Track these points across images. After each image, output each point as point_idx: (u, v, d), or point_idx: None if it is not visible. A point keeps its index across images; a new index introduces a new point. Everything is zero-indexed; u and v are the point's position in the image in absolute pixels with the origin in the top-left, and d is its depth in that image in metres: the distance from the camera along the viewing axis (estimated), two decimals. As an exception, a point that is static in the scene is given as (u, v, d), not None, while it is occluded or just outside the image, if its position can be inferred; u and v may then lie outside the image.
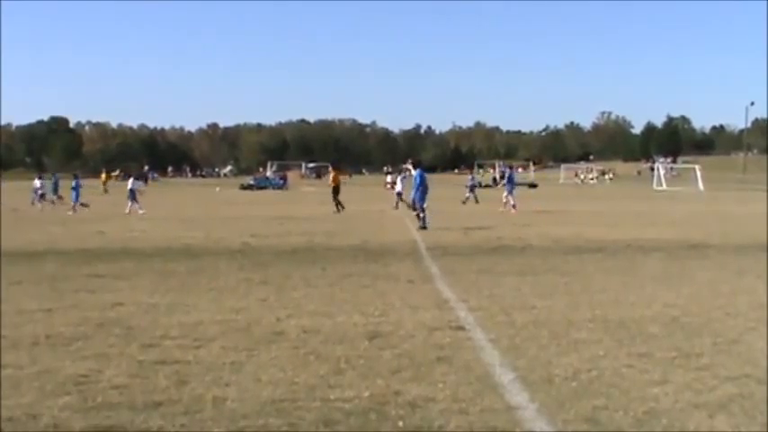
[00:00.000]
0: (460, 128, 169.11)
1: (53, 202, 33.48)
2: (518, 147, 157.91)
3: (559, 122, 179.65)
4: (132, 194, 28.84)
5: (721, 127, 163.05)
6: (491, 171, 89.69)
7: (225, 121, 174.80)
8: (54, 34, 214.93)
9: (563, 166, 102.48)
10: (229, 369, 5.82)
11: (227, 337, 6.92)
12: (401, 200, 29.54)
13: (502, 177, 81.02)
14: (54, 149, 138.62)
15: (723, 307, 8.49)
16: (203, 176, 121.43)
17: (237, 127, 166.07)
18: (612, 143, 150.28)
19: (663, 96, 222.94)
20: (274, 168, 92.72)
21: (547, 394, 5.18)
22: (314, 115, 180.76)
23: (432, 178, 41.29)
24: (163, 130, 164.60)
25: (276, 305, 8.56)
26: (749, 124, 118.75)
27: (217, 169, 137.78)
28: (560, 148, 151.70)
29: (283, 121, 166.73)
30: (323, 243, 15.91)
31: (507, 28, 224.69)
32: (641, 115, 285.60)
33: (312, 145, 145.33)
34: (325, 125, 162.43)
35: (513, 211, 27.25)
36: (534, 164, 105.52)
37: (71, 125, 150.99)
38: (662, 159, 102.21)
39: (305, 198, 41.15)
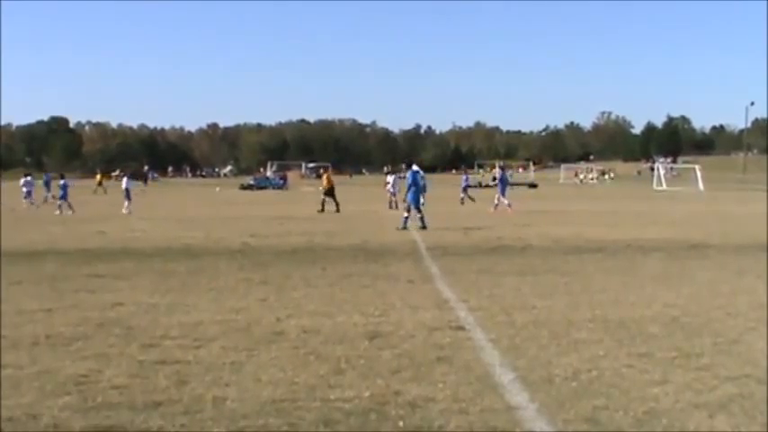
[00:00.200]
0: (460, 128, 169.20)
1: (46, 200, 33.33)
2: (518, 147, 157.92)
3: (559, 122, 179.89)
4: (127, 194, 28.86)
5: (721, 127, 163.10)
6: (491, 171, 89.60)
7: (225, 121, 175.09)
8: (54, 34, 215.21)
9: (563, 166, 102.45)
10: (229, 369, 5.82)
11: (227, 337, 6.93)
12: (395, 200, 29.59)
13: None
14: (54, 149, 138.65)
15: (723, 307, 8.49)
16: (203, 176, 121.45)
17: (237, 127, 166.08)
18: (612, 143, 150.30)
19: (663, 96, 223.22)
20: (274, 168, 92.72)
21: (547, 394, 5.18)
22: (314, 115, 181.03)
23: (432, 178, 41.42)
24: (163, 130, 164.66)
25: (276, 305, 8.56)
26: (749, 124, 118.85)
27: (217, 169, 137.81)
28: (560, 148, 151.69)
29: (283, 121, 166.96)
30: (323, 243, 15.91)
31: (507, 28, 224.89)
32: (641, 115, 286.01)
33: (312, 145, 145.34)
34: (325, 125, 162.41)
35: (509, 210, 27.30)
36: (534, 164, 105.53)
37: (71, 125, 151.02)
38: (662, 159, 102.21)
39: (305, 198, 41.15)
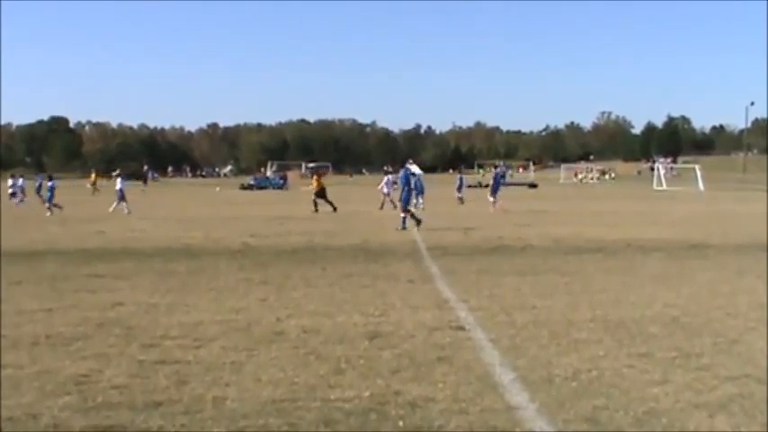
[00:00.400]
0: (460, 128, 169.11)
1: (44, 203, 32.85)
2: (518, 147, 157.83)
3: (559, 122, 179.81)
4: (121, 194, 28.83)
5: (721, 127, 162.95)
6: (491, 171, 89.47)
7: (225, 121, 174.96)
8: (54, 34, 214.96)
9: (563, 165, 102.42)
10: (229, 369, 5.82)
11: (227, 336, 6.93)
12: (388, 200, 29.53)
13: (502, 177, 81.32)
14: (54, 149, 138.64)
15: (723, 307, 8.49)
16: (203, 176, 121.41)
17: (237, 127, 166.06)
18: (613, 143, 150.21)
19: (663, 96, 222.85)
20: (274, 168, 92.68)
21: (547, 394, 5.18)
22: (314, 115, 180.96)
23: (432, 178, 41.39)
24: (163, 129, 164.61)
25: (276, 305, 8.56)
26: (749, 124, 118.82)
27: (217, 169, 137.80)
28: (560, 148, 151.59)
29: (283, 120, 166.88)
30: (323, 243, 15.92)
31: (507, 28, 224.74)
32: (641, 115, 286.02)
33: (312, 145, 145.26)
34: (325, 125, 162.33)
35: (491, 208, 27.36)
36: (534, 164, 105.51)
37: (71, 125, 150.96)
38: (662, 159, 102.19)
39: (305, 198, 41.14)
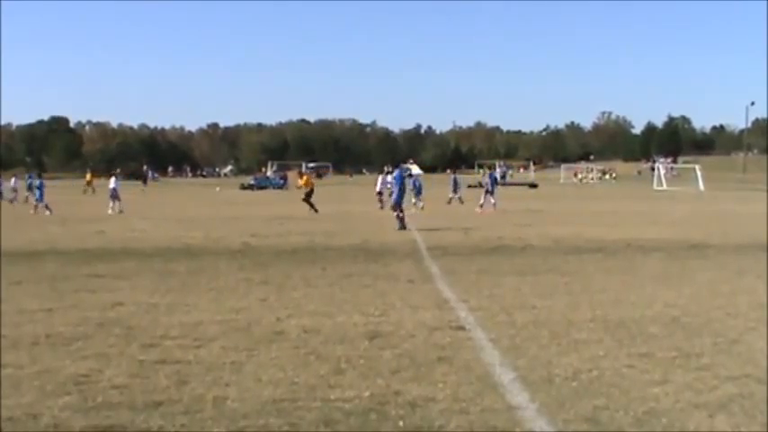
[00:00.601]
0: (461, 128, 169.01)
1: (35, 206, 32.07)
2: (518, 147, 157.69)
3: (560, 122, 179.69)
4: (114, 193, 28.73)
5: (721, 127, 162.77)
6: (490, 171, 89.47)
7: (225, 121, 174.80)
8: (54, 34, 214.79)
9: (563, 165, 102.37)
10: (230, 369, 5.82)
11: (227, 336, 6.93)
12: (381, 200, 29.49)
13: (503, 177, 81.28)
14: (54, 149, 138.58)
15: (723, 307, 8.49)
16: (204, 176, 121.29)
17: (238, 127, 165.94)
18: (613, 143, 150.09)
19: (663, 96, 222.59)
20: (275, 168, 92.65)
21: (547, 394, 5.18)
22: (314, 115, 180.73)
23: (432, 178, 41.32)
24: (163, 129, 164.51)
25: (276, 305, 8.57)
26: (749, 124, 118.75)
27: (217, 169, 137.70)
28: (561, 147, 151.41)
29: (284, 120, 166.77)
30: (323, 243, 15.92)
31: (507, 28, 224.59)
32: (641, 115, 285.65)
33: (312, 145, 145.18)
34: (325, 125, 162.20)
35: (477, 209, 27.34)
36: (534, 164, 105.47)
37: (71, 125, 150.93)
38: (662, 159, 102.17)
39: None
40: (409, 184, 31.17)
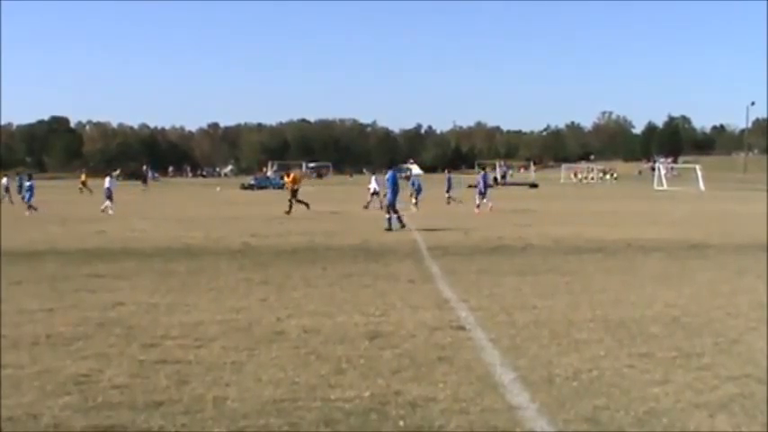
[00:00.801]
0: (461, 128, 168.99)
1: (12, 203, 31.82)
2: (519, 146, 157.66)
3: (560, 122, 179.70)
4: (109, 193, 28.66)
5: (722, 127, 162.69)
6: (491, 170, 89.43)
7: (225, 121, 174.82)
8: (54, 34, 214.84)
9: (564, 165, 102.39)
10: (230, 369, 5.82)
11: (227, 336, 6.93)
12: (373, 200, 29.45)
13: (503, 177, 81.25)
14: (54, 149, 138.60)
15: (723, 307, 8.49)
16: (204, 176, 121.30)
17: (238, 127, 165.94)
18: (613, 143, 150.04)
19: (663, 96, 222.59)
20: (275, 168, 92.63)
21: (547, 394, 5.18)
22: (314, 115, 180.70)
23: (432, 179, 41.30)
24: (163, 129, 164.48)
25: (276, 305, 8.56)
26: (750, 124, 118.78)
27: (217, 169, 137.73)
28: (561, 147, 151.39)
29: (284, 120, 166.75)
30: (323, 243, 15.92)
31: (507, 28, 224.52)
32: (642, 115, 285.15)
33: (313, 145, 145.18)
34: (325, 125, 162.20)
35: (476, 210, 27.33)
36: (535, 164, 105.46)
37: (71, 125, 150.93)
38: (663, 159, 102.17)
39: (305, 198, 41.13)
40: (408, 186, 31.26)
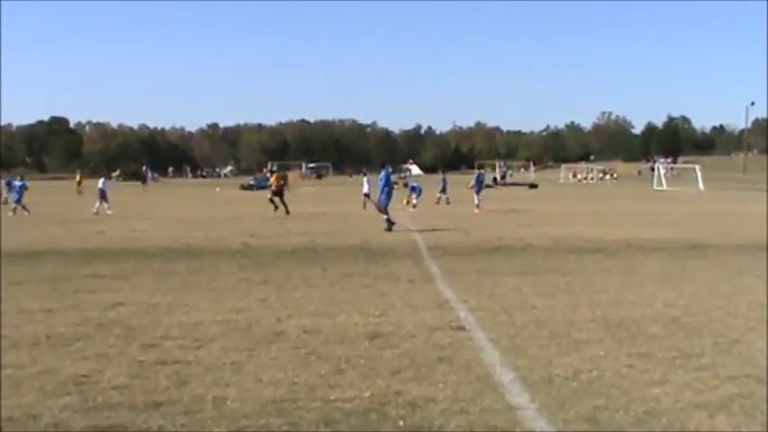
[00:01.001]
0: (461, 128, 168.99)
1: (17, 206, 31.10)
2: (518, 147, 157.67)
3: (560, 122, 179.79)
4: (102, 194, 28.50)
5: (721, 127, 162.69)
6: (491, 171, 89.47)
7: (225, 121, 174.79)
8: (54, 34, 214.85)
9: (563, 166, 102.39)
10: (230, 369, 5.82)
11: (227, 337, 6.93)
12: (368, 200, 29.44)
13: (503, 177, 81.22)
14: (54, 149, 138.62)
15: (723, 307, 8.49)
16: (204, 177, 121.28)
17: (238, 127, 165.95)
18: (613, 143, 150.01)
19: (663, 96, 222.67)
20: (275, 169, 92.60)
21: (547, 394, 5.18)
22: (314, 115, 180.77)
23: (431, 179, 41.34)
24: (163, 130, 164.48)
25: (276, 305, 8.56)
26: (749, 124, 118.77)
27: (217, 169, 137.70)
28: (561, 148, 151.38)
29: (284, 121, 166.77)
30: (323, 243, 15.92)
31: (507, 28, 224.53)
32: (642, 115, 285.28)
33: (312, 145, 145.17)
34: (325, 125, 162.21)
35: (476, 210, 27.31)
36: (535, 164, 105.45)
37: (71, 125, 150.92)
38: (662, 159, 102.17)
39: (305, 198, 41.17)
40: (406, 191, 31.29)
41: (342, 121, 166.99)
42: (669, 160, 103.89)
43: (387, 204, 19.75)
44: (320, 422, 4.63)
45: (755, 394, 5.21)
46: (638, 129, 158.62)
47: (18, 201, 27.70)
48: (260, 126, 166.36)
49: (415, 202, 30.80)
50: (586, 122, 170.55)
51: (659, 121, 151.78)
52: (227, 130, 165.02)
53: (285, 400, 5.03)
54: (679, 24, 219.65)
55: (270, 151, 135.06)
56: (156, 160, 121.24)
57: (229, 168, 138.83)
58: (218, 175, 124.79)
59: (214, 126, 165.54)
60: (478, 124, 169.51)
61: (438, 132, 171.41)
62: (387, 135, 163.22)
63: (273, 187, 27.26)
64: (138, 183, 66.48)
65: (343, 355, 6.25)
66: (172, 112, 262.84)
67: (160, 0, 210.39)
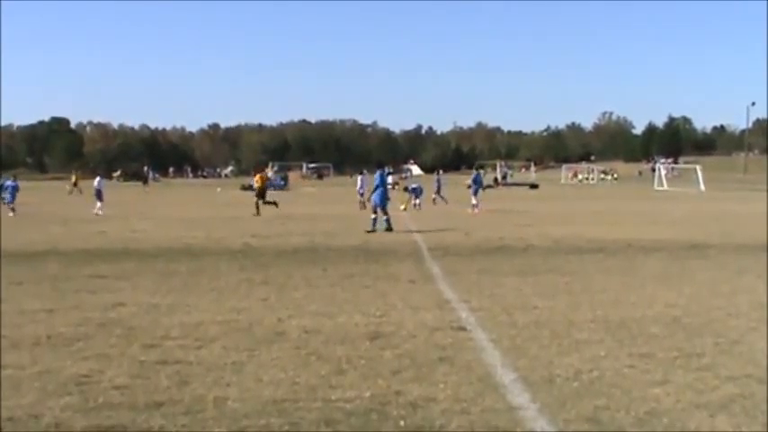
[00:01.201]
0: (462, 128, 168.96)
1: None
2: (519, 147, 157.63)
3: (560, 123, 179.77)
4: (98, 194, 28.47)
5: (722, 127, 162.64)
6: (492, 171, 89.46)
7: (226, 122, 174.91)
8: (54, 34, 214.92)
9: (564, 166, 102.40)
10: (231, 369, 5.83)
11: (228, 337, 6.93)
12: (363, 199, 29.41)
13: (504, 177, 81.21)
14: (55, 150, 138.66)
15: (724, 307, 8.49)
16: (204, 177, 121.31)
17: (238, 127, 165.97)
18: (613, 143, 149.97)
19: (664, 97, 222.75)
20: (275, 169, 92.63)
21: (548, 394, 5.18)
22: (315, 115, 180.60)
23: (431, 179, 41.31)
24: (164, 130, 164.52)
25: (277, 305, 8.57)
26: (750, 124, 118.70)
27: (218, 170, 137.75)
28: (561, 148, 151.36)
29: (284, 121, 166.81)
30: (324, 243, 15.92)
31: (508, 28, 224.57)
32: (642, 115, 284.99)
33: (313, 145, 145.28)
34: (326, 125, 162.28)
35: (475, 211, 27.28)
36: (535, 164, 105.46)
37: (72, 125, 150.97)
38: (663, 160, 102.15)
39: (306, 198, 41.18)
40: (406, 195, 31.29)
41: (342, 122, 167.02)
42: (670, 160, 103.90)
43: (382, 204, 19.44)
44: (321, 422, 4.63)
45: (756, 394, 5.21)
46: (638, 129, 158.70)
47: (10, 201, 27.52)
48: (261, 126, 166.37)
49: (416, 202, 30.82)
50: (587, 123, 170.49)
51: (660, 122, 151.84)
52: (227, 130, 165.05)
53: (286, 400, 5.04)
54: (679, 24, 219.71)
55: (270, 151, 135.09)
56: (156, 160, 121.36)
57: (230, 169, 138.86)
58: (219, 176, 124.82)
59: (215, 126, 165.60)
60: (479, 124, 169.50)
61: (439, 132, 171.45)
62: (387, 135, 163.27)
63: (255, 186, 27.07)
64: (139, 183, 66.47)
65: (343, 355, 6.25)
66: (172, 113, 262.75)
67: (160, 0, 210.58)
